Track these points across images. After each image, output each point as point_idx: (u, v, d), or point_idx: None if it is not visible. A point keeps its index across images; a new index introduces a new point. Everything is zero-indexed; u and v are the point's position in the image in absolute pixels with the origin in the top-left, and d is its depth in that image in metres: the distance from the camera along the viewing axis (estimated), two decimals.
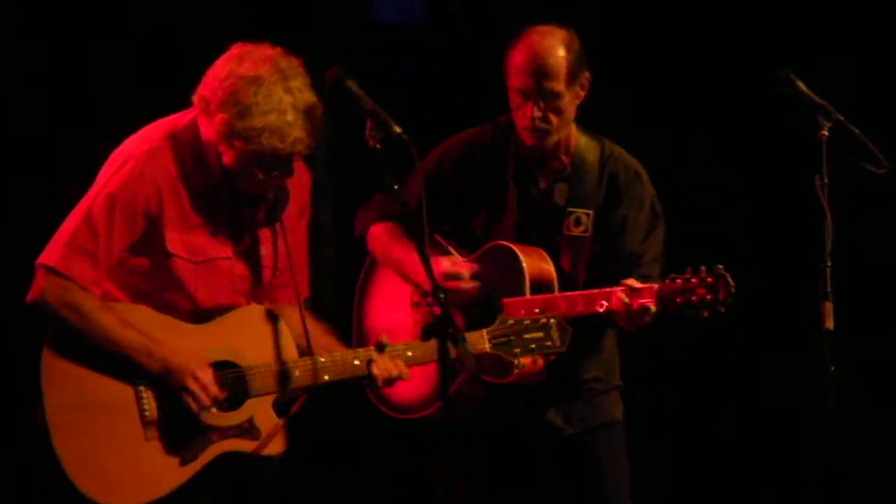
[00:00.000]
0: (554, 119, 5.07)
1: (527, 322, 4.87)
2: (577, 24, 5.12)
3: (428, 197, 4.55)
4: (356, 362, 4.70)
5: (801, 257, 5.10)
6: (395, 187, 4.41)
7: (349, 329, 5.32)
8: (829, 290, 4.81)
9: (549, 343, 4.87)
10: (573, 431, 5.21)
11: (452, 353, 4.28)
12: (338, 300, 5.05)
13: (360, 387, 4.77)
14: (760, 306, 6.18)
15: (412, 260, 5.12)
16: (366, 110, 4.37)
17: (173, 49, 6.27)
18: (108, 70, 6.31)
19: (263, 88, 4.44)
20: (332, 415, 6.14)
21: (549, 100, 5.04)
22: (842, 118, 4.96)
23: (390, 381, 4.72)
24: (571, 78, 5.05)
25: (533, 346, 4.87)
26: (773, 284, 6.53)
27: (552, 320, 4.88)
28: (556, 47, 5.04)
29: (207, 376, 4.52)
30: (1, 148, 6.21)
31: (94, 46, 6.29)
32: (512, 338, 4.86)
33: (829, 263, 4.82)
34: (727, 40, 6.80)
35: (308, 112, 4.49)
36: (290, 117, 4.45)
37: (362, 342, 5.24)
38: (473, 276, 5.10)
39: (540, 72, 5.02)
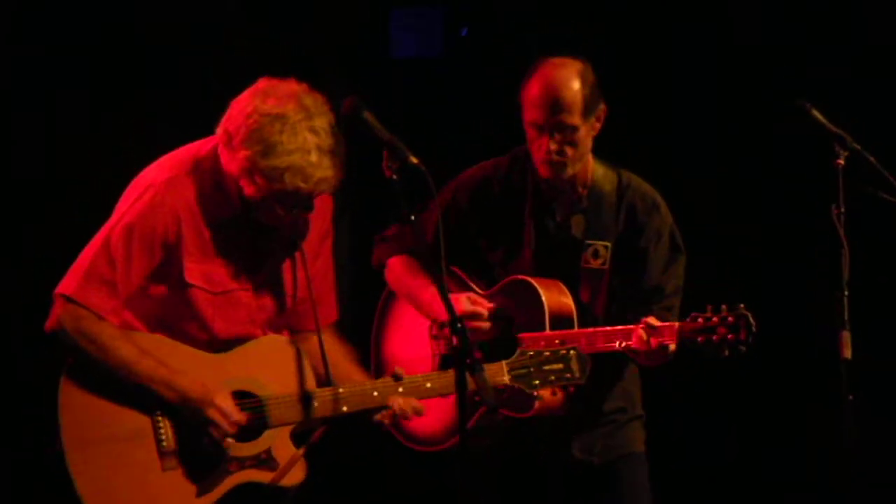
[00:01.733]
0: (570, 152, 5.05)
1: (546, 353, 4.84)
2: (592, 35, 5.11)
3: (444, 229, 4.54)
4: (375, 394, 4.69)
5: (817, 285, 5.09)
6: (412, 218, 4.40)
7: (366, 359, 5.30)
8: (846, 319, 4.80)
9: (568, 375, 4.83)
10: (595, 462, 5.19)
11: (471, 384, 4.25)
12: (355, 330, 5.03)
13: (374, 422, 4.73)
14: (777, 335, 6.15)
15: (429, 292, 5.11)
16: (382, 141, 4.35)
17: (173, 49, 6.31)
18: (109, 70, 6.33)
19: (288, 127, 4.43)
20: (351, 444, 6.13)
21: (565, 133, 5.03)
22: (857, 147, 4.96)
23: (403, 419, 4.72)
24: (587, 110, 5.04)
25: (553, 377, 4.83)
26: (790, 313, 6.51)
27: (572, 352, 4.84)
28: (571, 80, 5.03)
29: (228, 402, 4.52)
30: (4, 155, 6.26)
31: (94, 46, 6.30)
32: (531, 369, 4.82)
33: (846, 292, 4.81)
34: (734, 60, 6.81)
35: (332, 152, 4.47)
36: (314, 158, 4.44)
37: (380, 373, 5.22)
38: (492, 314, 5.09)
39: (555, 105, 5.01)
